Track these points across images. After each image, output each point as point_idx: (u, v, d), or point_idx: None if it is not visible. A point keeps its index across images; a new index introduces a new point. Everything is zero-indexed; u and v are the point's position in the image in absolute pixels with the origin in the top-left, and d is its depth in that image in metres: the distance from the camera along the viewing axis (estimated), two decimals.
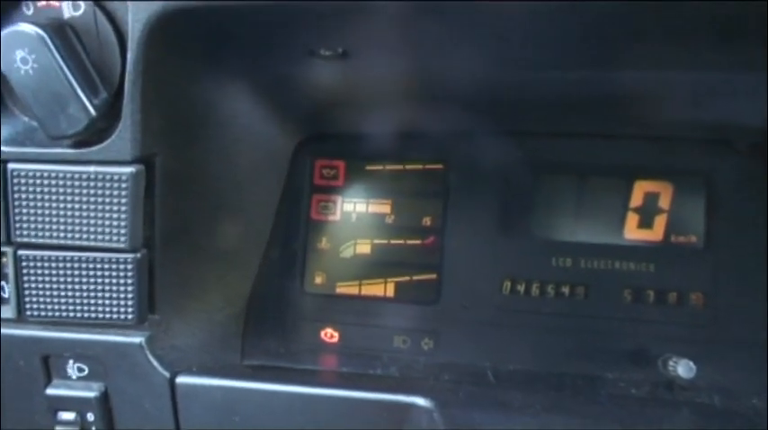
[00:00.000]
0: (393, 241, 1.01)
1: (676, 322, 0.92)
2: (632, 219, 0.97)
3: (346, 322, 0.99)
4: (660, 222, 0.96)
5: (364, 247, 1.02)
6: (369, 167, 1.03)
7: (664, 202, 0.96)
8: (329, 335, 0.99)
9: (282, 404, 0.71)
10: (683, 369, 0.77)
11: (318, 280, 1.02)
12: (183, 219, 0.75)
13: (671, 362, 0.79)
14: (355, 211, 1.02)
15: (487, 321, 0.96)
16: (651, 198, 0.97)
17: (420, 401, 0.66)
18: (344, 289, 1.01)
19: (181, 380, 0.71)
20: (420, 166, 1.02)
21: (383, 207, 1.02)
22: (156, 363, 0.70)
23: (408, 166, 1.02)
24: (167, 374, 0.70)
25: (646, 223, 0.97)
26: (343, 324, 1.00)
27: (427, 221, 1.00)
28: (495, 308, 0.96)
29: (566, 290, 0.96)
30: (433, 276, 0.98)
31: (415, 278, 0.99)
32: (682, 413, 0.67)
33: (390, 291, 1.00)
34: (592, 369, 0.88)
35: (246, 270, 0.91)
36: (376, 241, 1.01)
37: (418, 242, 1.00)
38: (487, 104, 0.94)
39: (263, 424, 0.71)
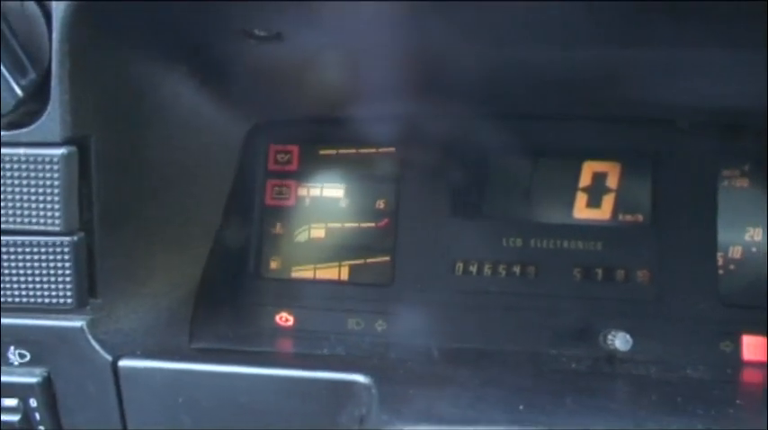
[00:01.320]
0: (347, 225, 1.01)
1: (623, 299, 0.94)
2: (581, 199, 0.98)
3: (301, 306, 1.00)
4: (608, 201, 0.98)
5: (319, 232, 1.02)
6: (322, 152, 1.03)
7: (611, 182, 0.98)
8: (284, 319, 1.00)
9: (226, 384, 0.71)
10: (620, 342, 0.78)
11: (273, 264, 1.02)
12: (125, 202, 0.75)
13: (609, 336, 0.80)
14: (309, 196, 1.03)
15: (440, 302, 0.97)
16: (599, 178, 0.98)
17: (360, 378, 0.66)
18: (299, 273, 1.02)
19: (123, 363, 0.71)
20: (373, 150, 1.02)
21: (337, 191, 1.02)
22: (97, 347, 0.70)
23: (361, 150, 1.03)
24: (110, 358, 0.70)
25: (594, 202, 0.98)
26: (298, 308, 1.00)
27: (380, 204, 1.01)
28: (447, 288, 0.97)
29: (517, 269, 0.97)
30: (387, 259, 0.99)
31: (369, 261, 1.00)
32: (616, 384, 0.68)
33: (345, 275, 1.01)
34: (537, 346, 0.89)
35: (196, 255, 0.91)
36: (330, 225, 1.02)
37: (372, 225, 1.01)
38: (438, 87, 0.94)
39: (208, 405, 0.71)
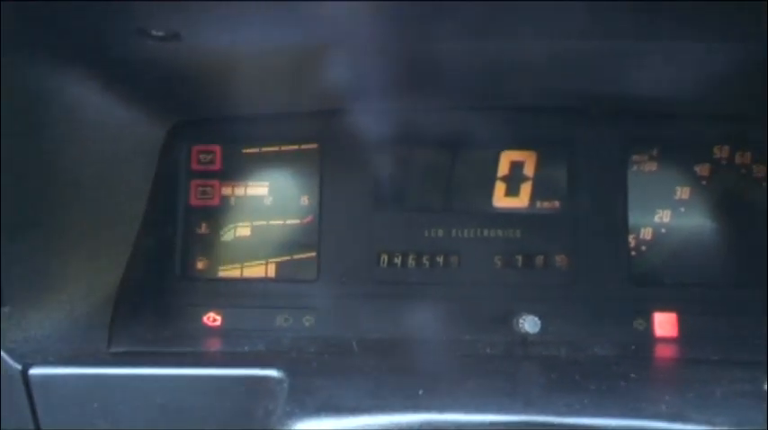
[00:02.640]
0: (272, 222, 1.02)
1: (542, 283, 0.97)
2: (500, 188, 1.01)
3: (229, 305, 1.00)
4: (526, 189, 1.01)
5: (244, 230, 1.02)
6: (245, 151, 1.03)
7: (528, 170, 1.01)
8: (212, 318, 1.00)
9: (142, 386, 0.71)
10: (530, 325, 0.81)
11: (200, 265, 1.02)
12: (31, 208, 0.74)
13: (520, 320, 0.83)
14: (234, 195, 1.03)
15: (366, 294, 0.98)
16: (517, 167, 1.01)
17: (273, 373, 0.67)
18: (226, 272, 1.02)
19: (34, 371, 0.70)
20: (295, 147, 1.03)
21: (261, 189, 1.03)
22: (6, 356, 0.69)
23: (284, 148, 1.03)
24: (19, 366, 0.69)
25: (513, 191, 1.01)
26: (225, 307, 1.00)
27: (305, 201, 1.02)
28: (372, 281, 0.99)
29: (440, 259, 0.99)
30: (313, 254, 1.00)
31: (295, 257, 1.01)
32: (523, 366, 0.71)
33: (272, 272, 1.01)
34: (457, 333, 0.91)
35: (115, 258, 0.90)
36: (256, 223, 1.02)
37: (297, 222, 1.01)
38: (356, 82, 0.95)
39: (124, 408, 0.71)
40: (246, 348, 0.82)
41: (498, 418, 0.50)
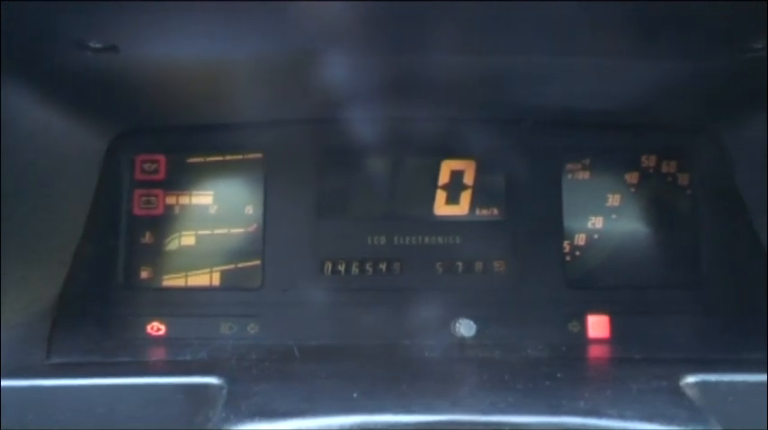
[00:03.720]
0: (217, 231, 1.02)
1: (482, 288, 1.00)
2: (441, 196, 1.04)
3: (173, 314, 1.00)
4: (466, 197, 1.04)
5: (189, 239, 1.03)
6: (190, 160, 1.04)
7: (468, 179, 1.04)
8: (155, 328, 1.00)
9: (81, 397, 0.71)
10: (465, 328, 0.84)
11: (144, 274, 1.02)
12: None
13: (457, 324, 0.86)
14: (178, 204, 1.03)
15: (310, 302, 1.00)
16: (457, 175, 1.04)
17: (213, 380, 0.68)
18: (171, 281, 1.02)
19: None
20: (240, 156, 1.04)
21: (206, 198, 1.03)
22: None
23: (228, 157, 1.04)
24: None
25: (453, 199, 1.04)
26: (169, 316, 1.00)
27: (249, 209, 1.02)
28: (317, 288, 1.00)
29: (383, 266, 1.01)
30: (257, 262, 1.01)
31: (239, 265, 1.02)
32: (458, 367, 0.73)
33: (216, 280, 1.02)
34: (398, 338, 0.93)
35: (54, 268, 0.89)
36: (200, 232, 1.02)
37: (241, 230, 1.02)
38: (299, 92, 0.97)
39: (62, 419, 0.71)
40: (189, 357, 0.82)
41: (425, 418, 0.52)
